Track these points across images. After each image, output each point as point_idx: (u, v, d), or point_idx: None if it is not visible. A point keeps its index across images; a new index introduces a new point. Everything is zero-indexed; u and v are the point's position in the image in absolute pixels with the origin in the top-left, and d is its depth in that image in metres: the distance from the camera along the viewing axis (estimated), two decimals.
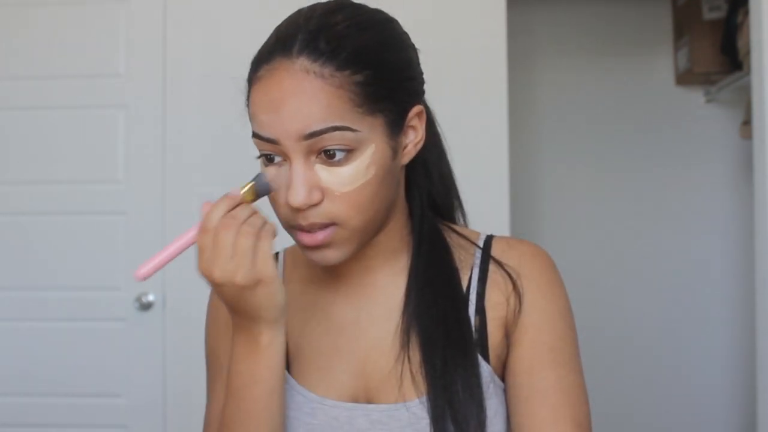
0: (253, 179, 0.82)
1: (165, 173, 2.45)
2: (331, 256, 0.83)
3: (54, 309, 2.47)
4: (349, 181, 0.80)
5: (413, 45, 0.88)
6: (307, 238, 0.82)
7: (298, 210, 0.80)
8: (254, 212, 0.79)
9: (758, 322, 2.19)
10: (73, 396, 2.45)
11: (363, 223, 0.82)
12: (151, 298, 2.43)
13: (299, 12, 0.83)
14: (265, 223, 0.79)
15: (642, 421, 3.14)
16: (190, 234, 0.80)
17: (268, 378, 0.82)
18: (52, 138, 2.49)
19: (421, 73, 0.89)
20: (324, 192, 0.80)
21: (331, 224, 0.81)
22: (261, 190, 0.82)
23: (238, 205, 0.80)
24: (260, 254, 0.77)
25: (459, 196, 0.99)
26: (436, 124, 0.96)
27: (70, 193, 2.48)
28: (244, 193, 0.81)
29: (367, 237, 0.85)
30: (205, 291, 0.99)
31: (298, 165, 0.79)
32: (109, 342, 2.45)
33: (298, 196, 0.79)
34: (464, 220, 1.00)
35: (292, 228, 0.83)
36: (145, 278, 0.79)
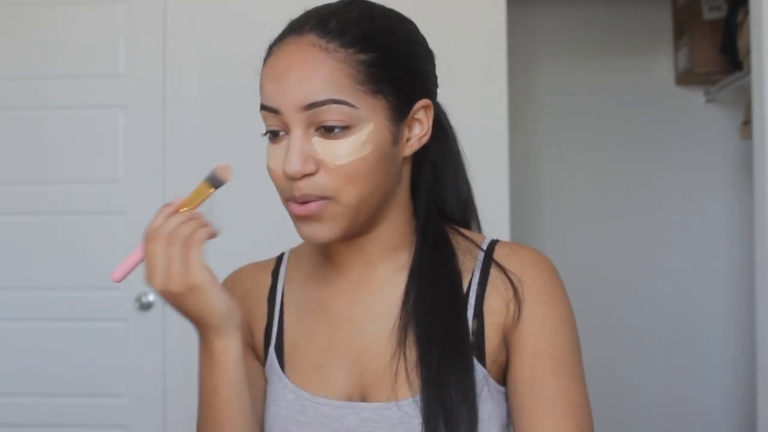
0: (207, 177, 0.83)
1: (165, 173, 2.45)
2: (321, 231, 0.84)
3: (54, 309, 2.46)
4: (345, 154, 0.81)
5: (428, 48, 0.90)
6: (299, 209, 0.83)
7: (293, 180, 0.82)
8: (187, 219, 0.81)
9: (758, 322, 2.19)
10: (73, 396, 2.45)
11: (355, 200, 0.83)
12: (151, 298, 2.43)
13: (315, 7, 0.87)
14: (197, 228, 0.81)
15: (642, 421, 3.14)
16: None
17: (223, 387, 0.84)
18: (52, 138, 2.48)
19: (434, 74, 0.90)
20: (319, 165, 0.82)
21: (324, 198, 0.82)
22: (213, 181, 0.83)
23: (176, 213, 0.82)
24: (190, 260, 0.79)
25: (477, 215, 0.99)
26: (456, 141, 0.97)
27: (70, 193, 2.48)
28: (189, 198, 0.82)
29: (360, 219, 0.85)
30: None
31: (296, 136, 0.82)
32: (109, 342, 2.45)
33: (293, 164, 0.81)
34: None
35: (287, 201, 0.85)
36: (120, 280, 0.82)
